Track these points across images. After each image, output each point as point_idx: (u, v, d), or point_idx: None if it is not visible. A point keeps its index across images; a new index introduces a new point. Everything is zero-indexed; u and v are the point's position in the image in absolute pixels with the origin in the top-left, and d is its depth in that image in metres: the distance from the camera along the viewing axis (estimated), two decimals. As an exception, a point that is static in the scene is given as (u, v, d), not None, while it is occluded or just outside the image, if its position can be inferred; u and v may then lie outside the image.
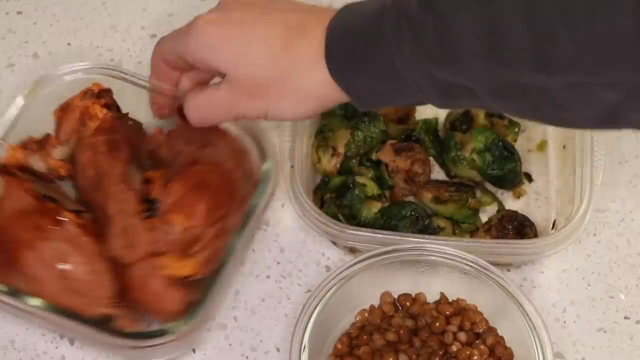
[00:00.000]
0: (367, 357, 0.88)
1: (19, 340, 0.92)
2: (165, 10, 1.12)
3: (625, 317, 0.93)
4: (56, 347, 0.91)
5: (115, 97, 0.94)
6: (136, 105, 0.94)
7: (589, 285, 0.95)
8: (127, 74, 0.94)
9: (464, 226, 0.97)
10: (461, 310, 0.91)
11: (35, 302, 0.83)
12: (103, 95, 0.93)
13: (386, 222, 0.95)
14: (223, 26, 0.79)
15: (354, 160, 0.99)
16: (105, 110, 0.92)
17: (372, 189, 0.97)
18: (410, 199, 0.99)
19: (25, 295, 0.83)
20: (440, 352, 0.88)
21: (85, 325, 0.82)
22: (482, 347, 0.89)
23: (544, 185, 1.01)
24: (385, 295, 0.92)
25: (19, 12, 1.12)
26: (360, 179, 0.97)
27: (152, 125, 0.94)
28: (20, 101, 0.93)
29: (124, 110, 0.94)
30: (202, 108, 0.83)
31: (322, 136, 0.99)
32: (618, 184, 1.01)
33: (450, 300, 0.92)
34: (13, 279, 0.84)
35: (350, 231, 0.91)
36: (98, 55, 1.09)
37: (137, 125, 0.94)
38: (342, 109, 1.01)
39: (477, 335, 0.90)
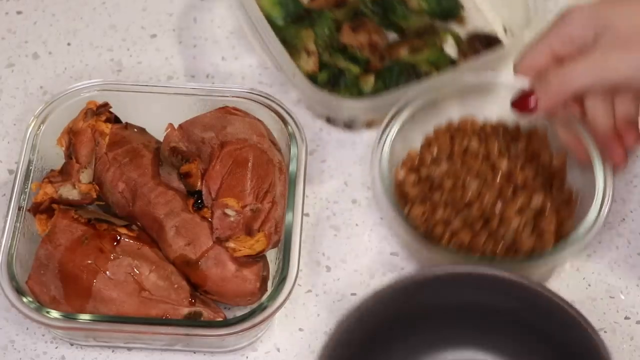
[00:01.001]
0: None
1: (19, 340, 0.92)
2: (165, 10, 1.12)
3: (626, 317, 0.93)
4: (56, 347, 0.91)
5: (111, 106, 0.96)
6: (135, 110, 0.96)
7: (589, 285, 0.95)
8: (117, 83, 0.97)
9: (441, 65, 1.05)
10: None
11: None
12: (102, 111, 0.94)
13: (386, 86, 1.03)
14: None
15: (326, 54, 1.05)
16: (109, 125, 0.93)
17: (355, 68, 1.04)
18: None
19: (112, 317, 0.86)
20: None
21: (180, 327, 0.85)
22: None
23: (478, 7, 1.12)
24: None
25: (18, 12, 1.12)
26: (341, 65, 1.04)
27: (154, 128, 0.95)
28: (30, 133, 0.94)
29: (124, 119, 0.96)
30: (565, 78, 0.85)
31: (289, 45, 1.03)
32: (618, 184, 1.01)
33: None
34: (90, 307, 0.86)
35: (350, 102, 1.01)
36: (98, 55, 1.09)
37: (142, 130, 0.95)
38: (283, 19, 1.07)
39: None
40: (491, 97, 0.99)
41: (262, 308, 0.85)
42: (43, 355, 0.91)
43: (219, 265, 0.87)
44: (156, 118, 0.94)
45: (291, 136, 0.93)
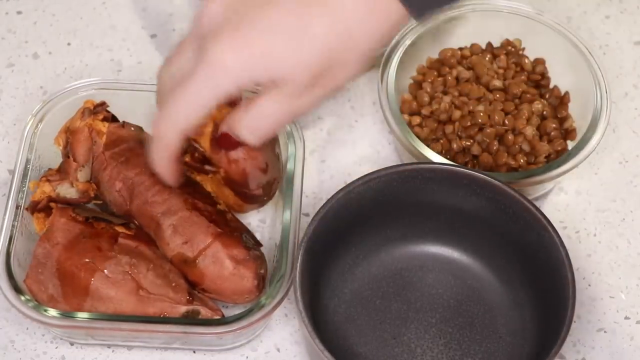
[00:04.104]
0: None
1: (19, 340, 0.91)
2: (165, 10, 1.13)
3: (626, 317, 0.93)
4: (56, 347, 0.91)
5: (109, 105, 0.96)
6: (132, 108, 0.96)
7: (589, 285, 0.95)
8: (115, 82, 0.98)
9: None
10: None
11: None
12: (99, 110, 0.94)
13: None
14: (241, 40, 0.73)
15: None
16: (107, 124, 0.93)
17: None
18: None
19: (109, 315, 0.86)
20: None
21: (178, 325, 0.84)
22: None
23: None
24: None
25: (18, 12, 1.12)
26: None
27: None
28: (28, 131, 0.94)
29: (122, 118, 0.95)
30: (261, 125, 0.78)
31: None
32: (618, 184, 1.01)
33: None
34: (88, 306, 0.86)
35: None
36: (98, 55, 1.09)
37: (139, 128, 0.95)
38: None
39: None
40: (460, 25, 1.03)
41: (259, 306, 0.85)
42: (43, 355, 0.91)
43: (216, 263, 0.87)
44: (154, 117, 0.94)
45: (289, 135, 0.93)
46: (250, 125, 0.79)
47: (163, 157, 0.81)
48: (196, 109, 0.77)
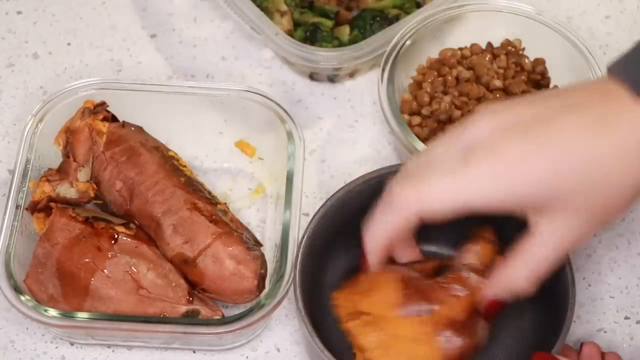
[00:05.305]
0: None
1: (19, 340, 0.91)
2: (165, 10, 1.13)
3: (626, 317, 0.93)
4: (56, 347, 0.91)
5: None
6: (132, 108, 0.96)
7: (589, 285, 0.95)
8: (115, 82, 0.97)
9: (407, 8, 1.08)
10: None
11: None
12: (99, 110, 0.94)
13: (362, 34, 1.06)
14: (531, 147, 0.70)
15: (296, 12, 1.07)
16: (107, 124, 0.93)
17: (327, 22, 1.07)
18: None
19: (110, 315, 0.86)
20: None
21: (178, 325, 0.84)
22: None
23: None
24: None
25: (18, 12, 1.12)
26: (313, 20, 1.06)
27: (151, 127, 0.95)
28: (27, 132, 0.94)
29: (122, 118, 0.96)
30: (539, 269, 0.76)
31: (262, 7, 1.05)
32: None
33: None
34: (88, 306, 0.86)
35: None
36: (98, 55, 1.09)
37: (139, 128, 0.95)
38: None
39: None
40: (460, 25, 1.04)
41: (259, 306, 0.85)
42: (43, 355, 0.91)
43: (216, 263, 0.87)
44: (153, 117, 0.95)
45: (289, 134, 0.93)
46: (530, 274, 0.76)
47: (373, 252, 0.80)
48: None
